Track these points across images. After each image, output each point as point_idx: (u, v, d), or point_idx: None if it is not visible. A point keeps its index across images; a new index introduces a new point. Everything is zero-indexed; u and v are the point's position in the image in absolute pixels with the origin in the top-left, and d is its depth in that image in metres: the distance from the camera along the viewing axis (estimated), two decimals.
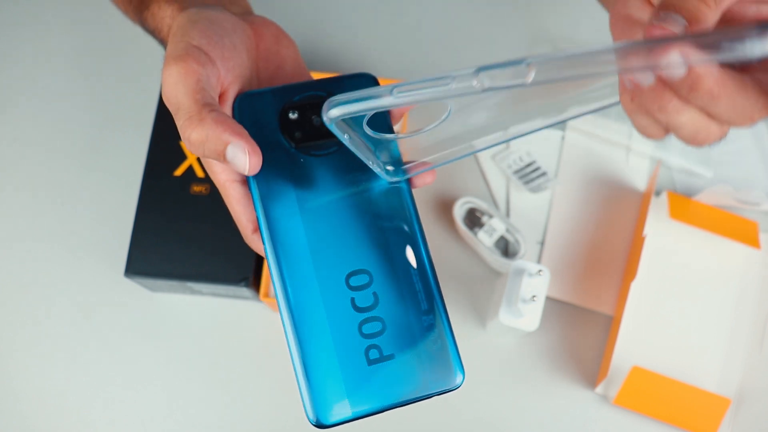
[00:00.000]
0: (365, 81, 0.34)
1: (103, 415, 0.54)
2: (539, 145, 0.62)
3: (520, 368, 0.56)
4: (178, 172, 0.55)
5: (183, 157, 0.55)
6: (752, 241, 0.57)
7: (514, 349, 0.57)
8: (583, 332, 0.57)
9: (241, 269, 0.52)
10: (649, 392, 0.53)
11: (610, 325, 0.58)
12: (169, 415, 0.55)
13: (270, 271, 0.30)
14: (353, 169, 0.32)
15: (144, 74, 0.64)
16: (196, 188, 0.55)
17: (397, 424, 0.54)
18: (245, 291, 0.53)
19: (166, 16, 0.39)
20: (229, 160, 0.29)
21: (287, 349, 0.29)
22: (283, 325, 0.30)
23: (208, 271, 0.52)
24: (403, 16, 0.68)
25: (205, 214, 0.54)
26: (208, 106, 0.30)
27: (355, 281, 0.30)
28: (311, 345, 0.29)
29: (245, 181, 0.32)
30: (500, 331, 0.55)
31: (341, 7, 0.68)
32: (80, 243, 0.59)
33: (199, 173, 0.55)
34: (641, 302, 0.56)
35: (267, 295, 0.54)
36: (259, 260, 0.54)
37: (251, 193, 0.31)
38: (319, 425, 0.28)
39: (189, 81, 0.31)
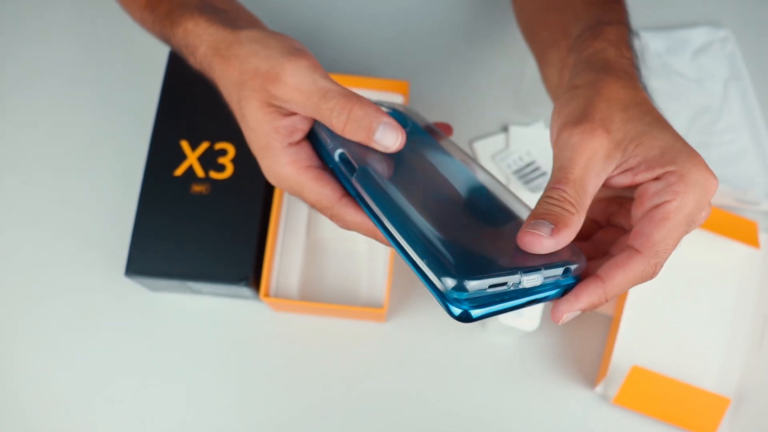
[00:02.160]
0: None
1: (103, 414, 0.55)
2: (539, 145, 0.62)
3: (520, 368, 0.56)
4: (179, 172, 0.55)
5: (183, 157, 0.55)
6: (752, 240, 0.57)
7: (514, 348, 0.57)
8: (583, 332, 0.57)
9: (241, 269, 0.52)
10: (648, 392, 0.53)
11: (609, 324, 0.58)
12: (169, 414, 0.55)
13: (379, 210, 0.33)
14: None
15: (144, 74, 0.64)
16: (197, 188, 0.55)
17: (398, 423, 0.55)
18: (245, 290, 0.54)
19: (204, 33, 0.40)
20: (378, 136, 0.35)
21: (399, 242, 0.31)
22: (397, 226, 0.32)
23: (208, 271, 0.52)
24: (403, 16, 0.68)
25: (205, 213, 0.54)
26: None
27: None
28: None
29: (310, 166, 0.38)
30: (500, 331, 0.55)
31: (341, 7, 0.68)
32: (80, 243, 0.59)
33: (199, 173, 0.55)
34: (641, 302, 0.56)
35: (267, 294, 0.54)
36: (259, 260, 0.54)
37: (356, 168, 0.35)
38: (460, 287, 0.29)
39: (320, 71, 0.36)
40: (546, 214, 0.32)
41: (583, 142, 0.33)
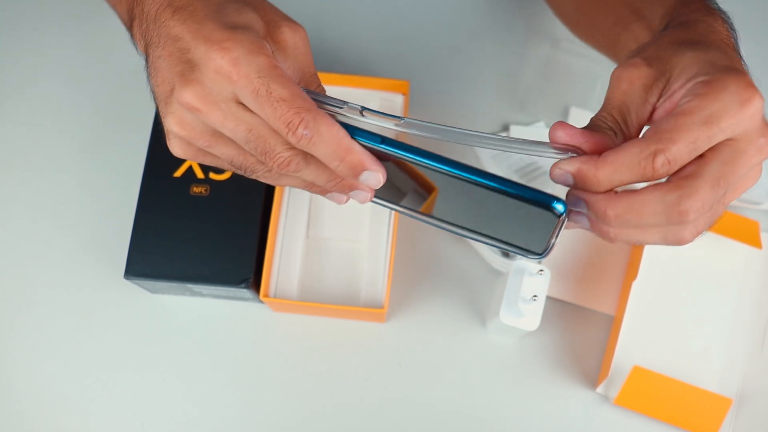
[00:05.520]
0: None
1: (103, 416, 0.55)
2: None
3: (520, 368, 0.56)
4: (178, 173, 0.55)
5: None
6: (753, 240, 0.57)
7: (514, 348, 0.57)
8: (584, 332, 0.57)
9: (242, 270, 0.52)
10: (650, 392, 0.53)
11: (610, 324, 0.58)
12: (169, 416, 0.55)
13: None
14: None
15: (144, 74, 0.63)
16: (196, 189, 0.55)
17: (398, 423, 0.54)
18: (245, 292, 0.53)
19: None
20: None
21: None
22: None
23: (208, 273, 0.52)
24: (403, 16, 0.68)
25: (205, 215, 0.54)
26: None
27: None
28: None
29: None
30: (500, 331, 0.55)
31: (341, 7, 0.68)
32: (80, 245, 0.59)
33: (199, 174, 0.55)
34: (642, 302, 0.56)
35: (267, 294, 0.54)
36: (260, 261, 0.54)
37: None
38: None
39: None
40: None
41: (621, 76, 0.33)
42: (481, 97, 0.65)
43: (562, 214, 0.31)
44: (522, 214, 0.31)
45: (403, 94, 0.60)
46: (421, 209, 0.35)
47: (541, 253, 0.33)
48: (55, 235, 0.59)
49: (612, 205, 0.31)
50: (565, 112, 0.64)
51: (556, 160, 0.32)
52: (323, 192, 0.35)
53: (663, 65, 0.33)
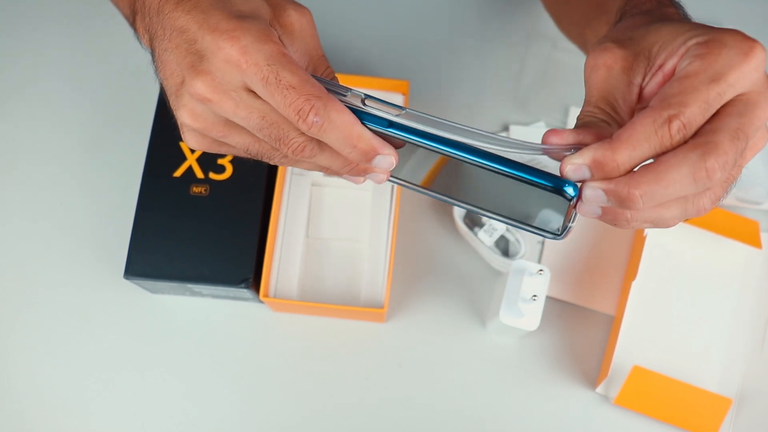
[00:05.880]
0: None
1: (103, 416, 0.55)
2: None
3: (520, 368, 0.56)
4: (178, 173, 0.55)
5: (183, 158, 0.55)
6: (753, 240, 0.57)
7: (514, 348, 0.57)
8: (584, 332, 0.57)
9: (242, 271, 0.52)
10: (650, 392, 0.53)
11: (610, 324, 0.58)
12: (169, 416, 0.55)
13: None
14: None
15: (144, 74, 0.63)
16: (196, 189, 0.55)
17: (398, 423, 0.54)
18: (245, 292, 0.53)
19: None
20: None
21: None
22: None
23: (208, 273, 0.52)
24: (403, 16, 0.68)
25: (205, 215, 0.54)
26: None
27: None
28: None
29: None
30: (500, 331, 0.55)
31: (341, 7, 0.68)
32: (80, 245, 0.59)
33: (199, 174, 0.55)
34: (642, 302, 0.56)
35: (266, 294, 0.54)
36: (260, 261, 0.54)
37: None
38: None
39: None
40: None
41: (596, 63, 0.32)
42: (481, 97, 0.65)
43: (572, 197, 0.30)
44: (535, 196, 0.31)
45: (403, 94, 0.60)
46: (437, 188, 0.34)
47: (559, 234, 0.32)
48: (55, 235, 0.59)
49: (635, 183, 0.28)
50: (565, 112, 0.64)
51: (558, 161, 0.32)
52: (339, 174, 0.35)
53: (637, 44, 0.32)
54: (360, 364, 0.56)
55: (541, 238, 0.44)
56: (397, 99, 0.60)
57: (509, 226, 0.57)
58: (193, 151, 0.56)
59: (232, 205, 0.54)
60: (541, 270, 0.50)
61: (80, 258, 0.59)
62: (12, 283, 0.58)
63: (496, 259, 0.57)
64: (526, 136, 0.62)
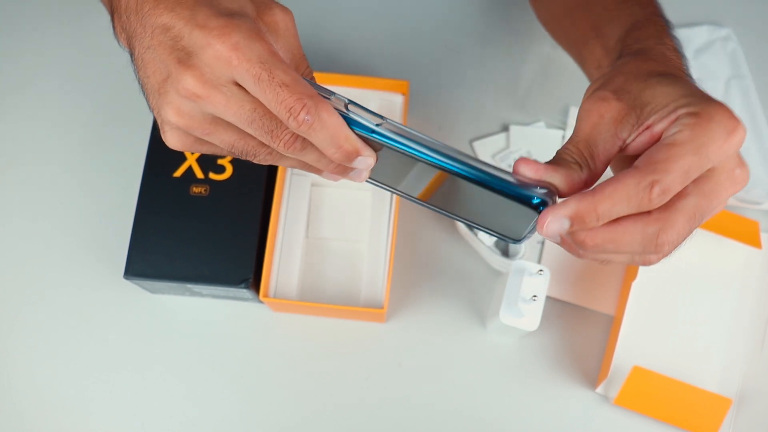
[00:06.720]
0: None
1: (103, 416, 0.55)
2: (540, 145, 0.62)
3: (520, 368, 0.56)
4: (178, 173, 0.55)
5: (183, 158, 0.55)
6: (753, 240, 0.57)
7: (514, 348, 0.57)
8: (584, 332, 0.57)
9: (241, 271, 0.52)
10: (649, 392, 0.53)
11: (610, 325, 0.58)
12: (169, 416, 0.55)
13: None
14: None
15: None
16: (196, 189, 0.55)
17: (398, 423, 0.54)
18: (245, 292, 0.53)
19: None
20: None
21: None
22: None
23: (208, 273, 0.52)
24: (403, 16, 0.68)
25: (204, 215, 0.54)
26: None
27: None
28: None
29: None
30: (500, 331, 0.55)
31: (341, 7, 0.68)
32: (80, 245, 0.59)
33: (199, 174, 0.55)
34: (642, 302, 0.56)
35: (266, 294, 0.54)
36: (260, 261, 0.54)
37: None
38: None
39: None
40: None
41: (591, 109, 0.34)
42: (481, 97, 0.65)
43: (541, 209, 0.31)
44: (503, 204, 0.32)
45: (403, 94, 0.60)
46: (412, 193, 0.36)
47: (519, 240, 0.34)
48: (55, 235, 0.59)
49: (592, 235, 0.31)
50: (565, 112, 0.64)
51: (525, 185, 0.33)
52: (319, 172, 0.35)
53: (632, 99, 0.34)
54: (360, 364, 0.56)
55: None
56: (397, 99, 0.60)
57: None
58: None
59: (232, 205, 0.54)
60: (541, 270, 0.50)
61: (80, 258, 0.59)
62: (12, 283, 0.58)
63: (496, 259, 0.57)
64: (526, 135, 0.62)
